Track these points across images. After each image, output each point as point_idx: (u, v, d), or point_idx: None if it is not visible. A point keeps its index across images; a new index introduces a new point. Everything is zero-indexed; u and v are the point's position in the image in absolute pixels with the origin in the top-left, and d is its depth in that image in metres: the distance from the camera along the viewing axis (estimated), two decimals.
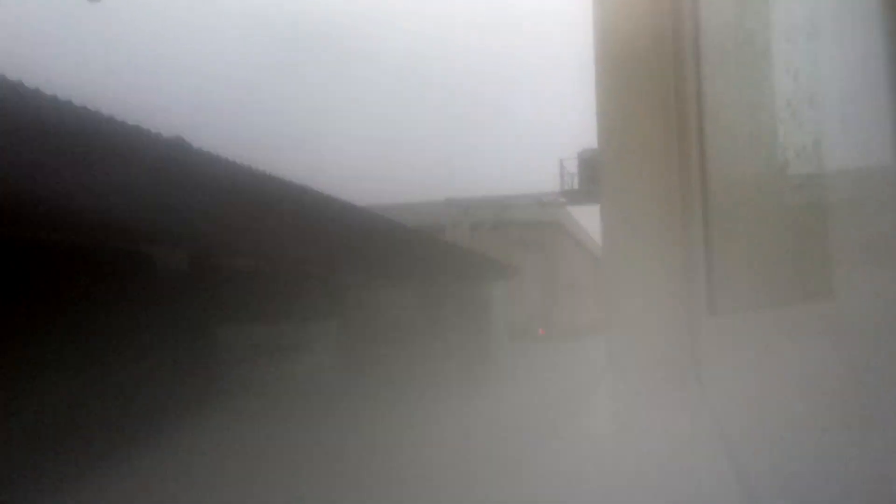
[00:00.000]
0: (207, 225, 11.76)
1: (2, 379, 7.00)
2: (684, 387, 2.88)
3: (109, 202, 9.34)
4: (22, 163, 7.21)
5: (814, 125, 0.78)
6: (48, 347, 7.41)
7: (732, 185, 1.61)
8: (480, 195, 25.87)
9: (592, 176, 24.31)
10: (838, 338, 0.66)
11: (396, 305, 13.05)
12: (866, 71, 0.57)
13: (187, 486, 5.84)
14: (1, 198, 7.93)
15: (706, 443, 1.83)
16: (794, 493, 0.88)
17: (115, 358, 7.86)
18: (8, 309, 7.28)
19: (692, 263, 2.67)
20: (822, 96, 0.74)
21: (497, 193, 25.89)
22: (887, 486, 0.51)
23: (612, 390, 3.39)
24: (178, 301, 11.00)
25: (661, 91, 3.51)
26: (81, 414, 7.53)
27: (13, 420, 7.13)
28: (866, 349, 0.56)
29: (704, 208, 2.07)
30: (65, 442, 7.19)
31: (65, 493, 5.66)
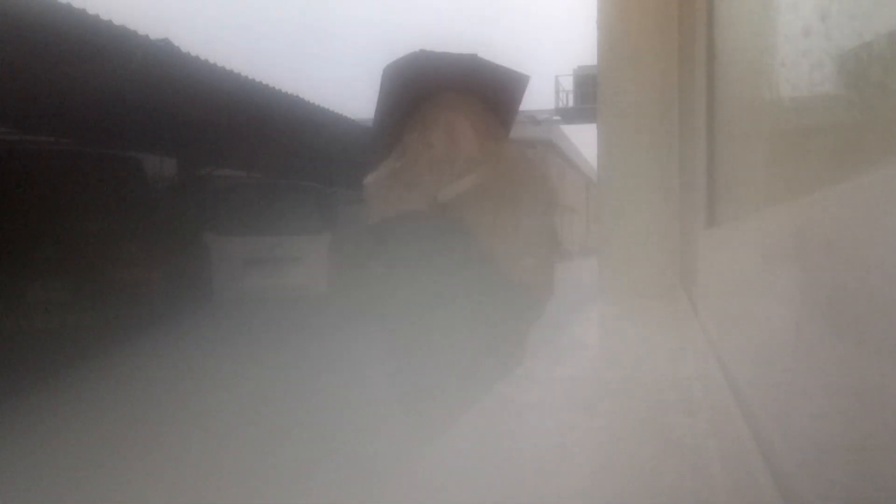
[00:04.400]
0: (196, 133, 11.62)
1: None
2: (677, 305, 2.93)
3: (95, 104, 9.19)
4: (5, 63, 7.04)
5: (825, 45, 0.76)
6: (37, 252, 7.42)
7: (741, 96, 1.60)
8: None
9: (588, 94, 24.00)
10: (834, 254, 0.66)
11: None
12: None
13: (185, 390, 5.97)
14: None
15: (696, 357, 1.87)
16: (789, 409, 0.90)
17: (104, 264, 7.88)
18: None
19: (691, 179, 2.67)
20: (835, 14, 0.73)
21: None
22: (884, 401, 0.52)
23: (603, 308, 3.43)
24: (168, 209, 10.97)
25: (665, 6, 3.43)
26: (72, 317, 7.61)
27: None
28: (865, 263, 0.57)
29: (709, 123, 2.06)
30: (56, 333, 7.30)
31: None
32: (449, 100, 2.58)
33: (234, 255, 10.26)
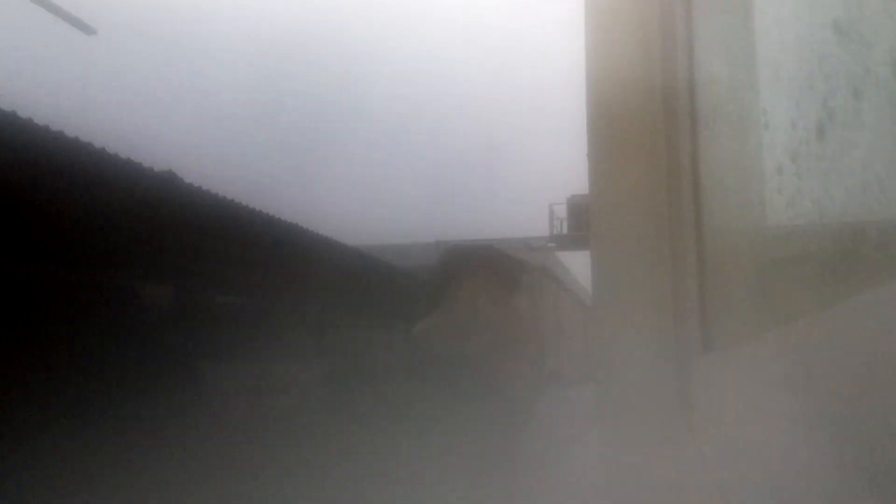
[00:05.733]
0: (196, 261, 11.75)
1: None
2: (676, 432, 2.88)
3: (97, 235, 9.33)
4: (10, 192, 7.21)
5: (797, 183, 0.81)
6: (30, 377, 7.32)
7: (726, 227, 1.65)
8: (470, 238, 25.90)
9: (582, 222, 24.48)
10: (835, 380, 0.68)
11: (385, 346, 12.99)
12: (849, 128, 0.61)
13: None
14: None
15: (698, 492, 1.83)
16: None
17: (98, 394, 7.76)
18: None
19: (683, 305, 2.70)
20: (804, 156, 0.78)
21: (487, 236, 25.86)
22: None
23: (601, 438, 3.39)
24: (163, 337, 10.91)
25: (652, 139, 3.58)
26: (67, 453, 7.41)
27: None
28: (869, 388, 0.58)
29: (699, 251, 2.11)
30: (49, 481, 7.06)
31: None
32: (471, 277, 4.03)
33: (228, 381, 10.12)
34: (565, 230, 27.61)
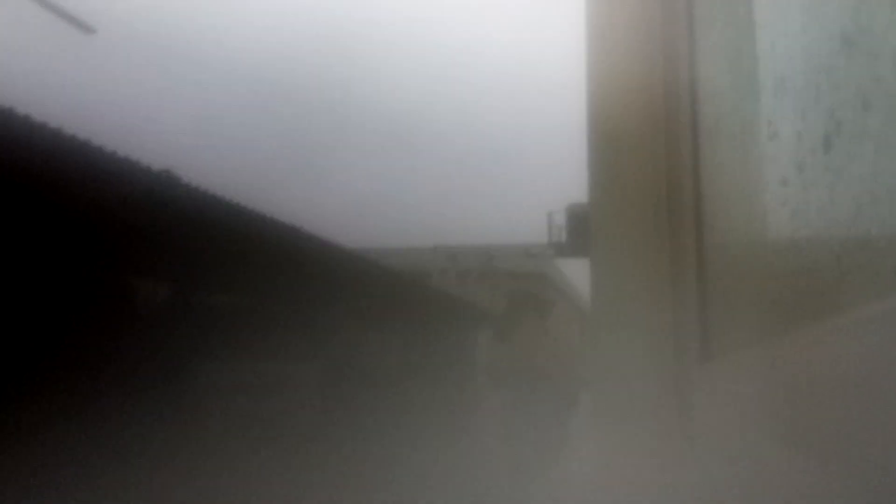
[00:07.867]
0: (193, 260, 11.74)
1: None
2: (673, 441, 2.88)
3: (94, 231, 9.32)
4: (7, 188, 7.19)
5: (805, 188, 0.81)
6: (27, 374, 7.29)
7: (726, 237, 1.65)
8: (468, 243, 25.88)
9: (581, 229, 24.50)
10: (833, 391, 0.67)
11: (382, 349, 12.99)
12: (854, 133, 0.60)
13: None
14: None
15: (695, 500, 1.83)
16: None
17: (93, 393, 7.74)
18: None
19: (682, 316, 2.70)
20: (810, 166, 0.77)
21: (485, 242, 25.82)
22: None
23: (597, 444, 3.38)
24: (158, 336, 10.89)
25: (653, 148, 3.58)
26: (64, 451, 7.38)
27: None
28: (868, 400, 0.58)
29: (699, 261, 2.11)
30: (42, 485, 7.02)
31: None
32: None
33: (223, 382, 10.11)
34: (564, 238, 27.57)
